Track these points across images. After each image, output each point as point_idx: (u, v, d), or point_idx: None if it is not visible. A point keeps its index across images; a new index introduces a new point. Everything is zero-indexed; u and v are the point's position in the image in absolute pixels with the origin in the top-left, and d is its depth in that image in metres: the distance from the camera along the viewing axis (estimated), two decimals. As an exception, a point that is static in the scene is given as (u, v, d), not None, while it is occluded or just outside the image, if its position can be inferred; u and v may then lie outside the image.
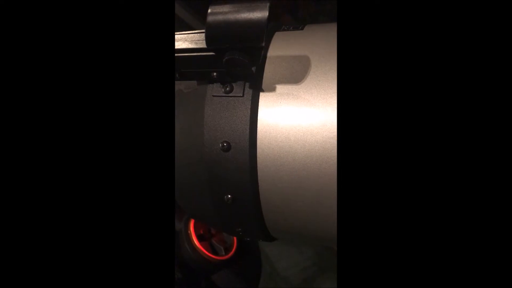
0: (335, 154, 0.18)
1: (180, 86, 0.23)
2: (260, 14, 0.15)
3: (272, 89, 0.19)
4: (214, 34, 0.16)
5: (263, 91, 0.20)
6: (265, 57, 0.20)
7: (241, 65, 0.17)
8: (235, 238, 0.38)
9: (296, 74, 0.19)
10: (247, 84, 0.19)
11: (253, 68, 0.20)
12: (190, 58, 0.19)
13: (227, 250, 0.36)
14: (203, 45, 0.18)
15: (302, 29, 0.22)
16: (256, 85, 0.20)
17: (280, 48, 0.21)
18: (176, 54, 0.19)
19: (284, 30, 0.22)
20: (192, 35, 0.19)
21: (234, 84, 0.20)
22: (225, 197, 0.21)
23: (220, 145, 0.20)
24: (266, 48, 0.21)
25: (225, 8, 0.16)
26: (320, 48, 0.20)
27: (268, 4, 0.15)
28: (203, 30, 0.17)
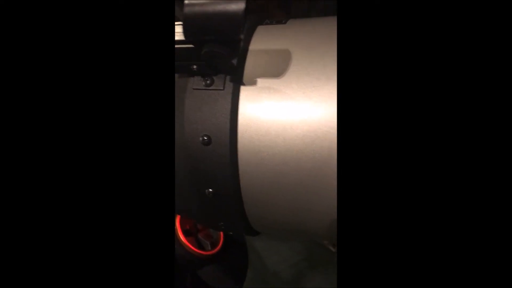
0: (313, 148, 0.18)
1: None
2: (237, 6, 0.15)
3: (253, 82, 0.19)
4: (192, 26, 0.16)
5: (244, 84, 0.20)
6: (246, 50, 0.20)
7: (220, 58, 0.17)
8: (221, 233, 0.38)
9: (277, 68, 0.19)
10: (228, 78, 0.19)
11: (235, 61, 0.20)
12: (170, 50, 0.19)
13: (214, 245, 0.36)
14: (182, 37, 0.17)
15: (284, 23, 0.22)
16: (237, 79, 0.19)
17: (262, 42, 0.21)
18: None
19: (267, 24, 0.22)
20: None
21: (215, 77, 0.19)
22: (206, 191, 0.21)
23: (201, 138, 0.19)
24: (248, 42, 0.21)
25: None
26: (301, 43, 0.20)
27: None
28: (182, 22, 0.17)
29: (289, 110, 0.19)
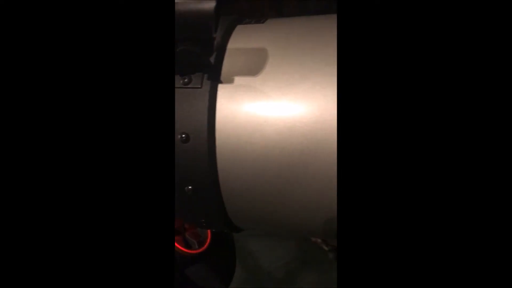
0: (290, 143, 0.18)
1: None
2: (208, 5, 0.15)
3: (230, 80, 0.20)
4: None
5: (221, 82, 0.20)
6: (224, 49, 0.21)
7: (194, 56, 0.17)
8: (209, 232, 0.38)
9: (254, 67, 0.20)
10: (206, 76, 0.20)
11: (212, 60, 0.20)
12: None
13: (201, 244, 0.36)
14: None
15: (263, 23, 0.22)
16: (215, 77, 0.20)
17: (240, 41, 0.21)
18: None
19: (246, 23, 0.23)
20: None
21: (192, 76, 0.20)
22: (186, 188, 0.21)
23: (179, 136, 0.20)
24: (226, 41, 0.21)
25: None
26: (278, 42, 0.20)
27: None
28: None
29: (265, 107, 0.19)
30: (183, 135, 0.20)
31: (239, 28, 0.22)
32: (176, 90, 0.20)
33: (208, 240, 0.37)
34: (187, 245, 0.36)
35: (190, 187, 0.21)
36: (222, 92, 0.20)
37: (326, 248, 0.97)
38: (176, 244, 0.35)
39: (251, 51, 0.20)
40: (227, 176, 0.20)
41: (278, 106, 0.19)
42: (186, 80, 0.20)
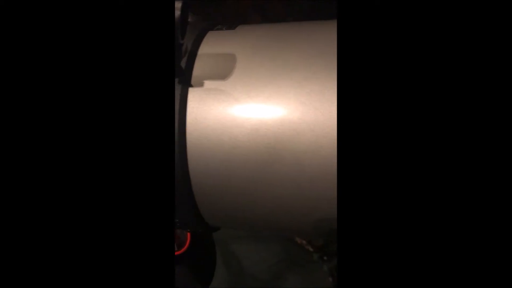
0: (256, 144, 0.19)
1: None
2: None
3: (200, 84, 0.21)
4: None
5: (192, 86, 0.21)
6: (195, 54, 0.21)
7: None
8: (188, 234, 0.38)
9: (223, 71, 0.20)
10: (176, 80, 0.20)
11: (183, 65, 0.21)
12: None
13: (180, 246, 0.37)
14: None
15: (234, 29, 0.23)
16: (185, 81, 0.20)
17: (211, 47, 0.22)
18: None
19: (218, 29, 0.23)
20: None
21: None
22: None
23: None
24: (197, 46, 0.22)
25: None
26: (247, 47, 0.21)
27: (180, 4, 0.16)
28: None
29: (234, 110, 0.20)
30: None
31: (210, 34, 0.23)
32: None
33: (188, 242, 0.37)
34: (166, 247, 0.36)
35: None
36: (192, 95, 0.20)
37: (311, 249, 0.98)
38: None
39: (221, 56, 0.21)
40: (198, 176, 0.21)
41: (245, 108, 0.19)
42: None
